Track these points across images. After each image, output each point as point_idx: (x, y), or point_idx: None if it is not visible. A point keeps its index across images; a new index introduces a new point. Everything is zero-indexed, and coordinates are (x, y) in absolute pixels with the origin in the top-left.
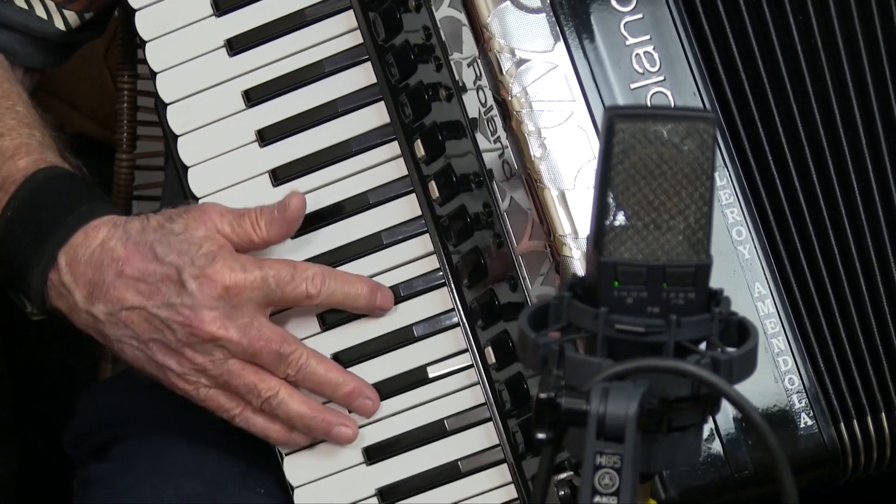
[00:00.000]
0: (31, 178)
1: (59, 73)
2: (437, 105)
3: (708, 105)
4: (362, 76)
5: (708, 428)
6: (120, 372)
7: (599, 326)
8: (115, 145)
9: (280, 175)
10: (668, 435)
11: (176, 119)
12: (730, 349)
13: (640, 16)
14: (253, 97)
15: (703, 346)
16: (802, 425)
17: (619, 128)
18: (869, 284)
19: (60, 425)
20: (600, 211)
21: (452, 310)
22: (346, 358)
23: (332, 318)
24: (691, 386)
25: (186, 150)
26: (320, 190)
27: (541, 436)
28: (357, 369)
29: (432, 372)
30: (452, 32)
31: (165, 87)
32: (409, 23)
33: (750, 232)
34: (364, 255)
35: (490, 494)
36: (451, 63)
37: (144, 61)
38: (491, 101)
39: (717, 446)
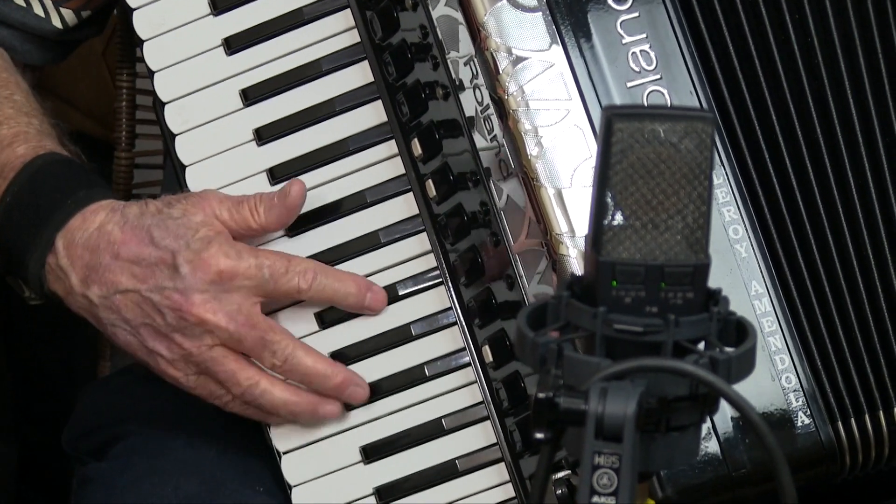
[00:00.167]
0: (30, 164)
1: (58, 71)
2: (433, 104)
3: (704, 103)
4: (359, 75)
5: (705, 427)
6: (119, 370)
7: (598, 326)
8: (113, 143)
9: (278, 173)
10: (666, 434)
11: (174, 118)
12: (728, 349)
13: (636, 14)
14: (250, 96)
15: (701, 345)
16: (800, 424)
17: (617, 127)
18: (866, 282)
19: (59, 424)
20: (598, 210)
21: (450, 308)
22: (344, 356)
23: (330, 316)
24: (690, 385)
25: (184, 149)
26: (318, 188)
27: (539, 435)
28: (355, 368)
29: (430, 370)
30: (449, 31)
31: (163, 86)
32: (406, 21)
33: (747, 230)
34: (361, 254)
35: (488, 493)
36: (448, 62)
37: (143, 60)
38: (487, 100)
39: (714, 445)
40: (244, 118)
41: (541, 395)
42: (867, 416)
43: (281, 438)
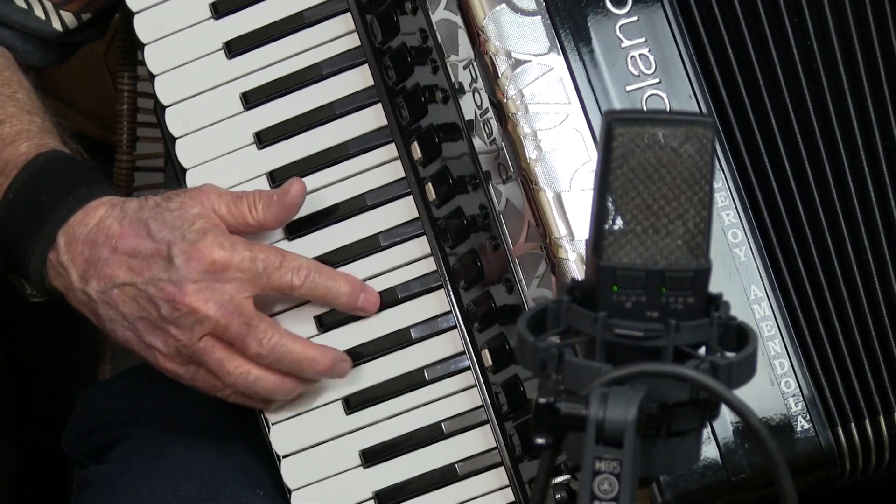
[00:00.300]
0: (32, 161)
1: (59, 73)
2: (433, 107)
3: (703, 107)
4: (360, 78)
5: (704, 431)
6: (119, 373)
7: (598, 331)
8: (114, 146)
9: (278, 177)
10: (667, 439)
11: (174, 121)
12: (729, 354)
13: (635, 18)
14: (251, 99)
15: (702, 350)
16: (799, 429)
17: (617, 132)
18: (866, 285)
19: (59, 425)
20: (599, 215)
21: (449, 312)
22: None
23: (329, 319)
24: (690, 391)
25: (185, 153)
26: (318, 192)
27: (540, 441)
28: (354, 372)
29: (429, 374)
30: (449, 35)
31: (164, 90)
32: (406, 25)
33: (746, 234)
34: (361, 257)
35: (488, 497)
36: (448, 65)
37: (144, 63)
38: (487, 104)
39: (713, 450)
40: (245, 122)
41: (541, 400)
42: (867, 421)
43: (281, 442)
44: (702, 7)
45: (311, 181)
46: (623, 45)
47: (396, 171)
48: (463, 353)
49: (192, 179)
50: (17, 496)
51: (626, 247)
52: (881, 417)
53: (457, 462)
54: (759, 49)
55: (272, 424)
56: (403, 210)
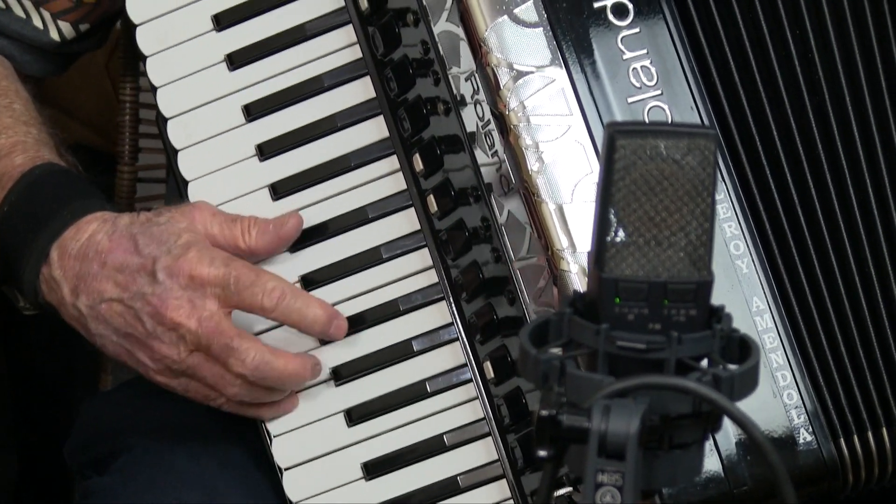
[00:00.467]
0: (28, 174)
1: (61, 83)
2: (435, 119)
3: (705, 119)
4: (361, 90)
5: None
6: (121, 384)
7: (600, 343)
8: (116, 156)
9: (280, 189)
10: (669, 452)
11: (176, 133)
12: (731, 366)
13: (637, 30)
14: (253, 111)
15: (704, 362)
16: (801, 441)
17: (620, 144)
18: (868, 298)
19: (60, 435)
20: (601, 227)
21: (451, 324)
22: (345, 372)
23: None
24: (692, 403)
25: (187, 165)
26: (319, 204)
27: (542, 453)
28: (356, 384)
29: (431, 386)
30: (450, 46)
31: (166, 102)
32: (408, 37)
33: (748, 246)
34: (363, 270)
35: None
36: (450, 77)
37: (146, 74)
38: (489, 116)
39: (715, 462)
40: (246, 134)
41: (543, 413)
42: (870, 433)
43: (283, 454)
44: (703, 18)
45: (313, 193)
46: (625, 57)
47: (398, 184)
48: (465, 365)
49: (193, 192)
50: None
51: (629, 259)
52: (884, 429)
53: (459, 475)
54: (761, 60)
55: (274, 437)
56: (405, 222)
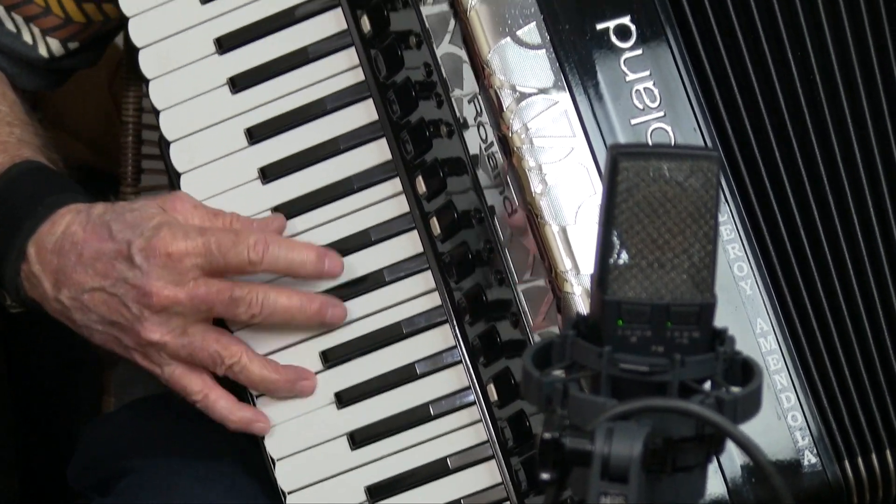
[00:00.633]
0: (6, 173)
1: (64, 104)
2: (438, 141)
3: (708, 140)
4: (364, 113)
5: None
6: (124, 405)
7: (603, 365)
8: (118, 178)
9: (283, 212)
10: (672, 475)
11: (179, 156)
12: (734, 389)
13: (639, 52)
14: (256, 135)
15: (707, 385)
16: (806, 463)
17: (623, 166)
18: (871, 320)
19: (63, 457)
20: (604, 249)
21: (454, 347)
22: (348, 396)
23: (334, 354)
24: (696, 426)
25: (190, 188)
26: (322, 227)
27: (545, 476)
28: (359, 407)
29: (434, 409)
30: (453, 69)
31: (169, 125)
32: (411, 60)
33: (751, 268)
34: (366, 293)
35: None
36: (452, 99)
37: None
38: (492, 138)
39: (720, 485)
40: (249, 157)
41: (546, 436)
42: (874, 456)
43: (286, 477)
44: (706, 40)
45: (316, 216)
46: (628, 79)
47: (401, 206)
48: (468, 387)
49: None
50: None
51: (632, 281)
52: (888, 452)
53: (462, 497)
54: (763, 82)
55: (277, 460)
56: (408, 245)
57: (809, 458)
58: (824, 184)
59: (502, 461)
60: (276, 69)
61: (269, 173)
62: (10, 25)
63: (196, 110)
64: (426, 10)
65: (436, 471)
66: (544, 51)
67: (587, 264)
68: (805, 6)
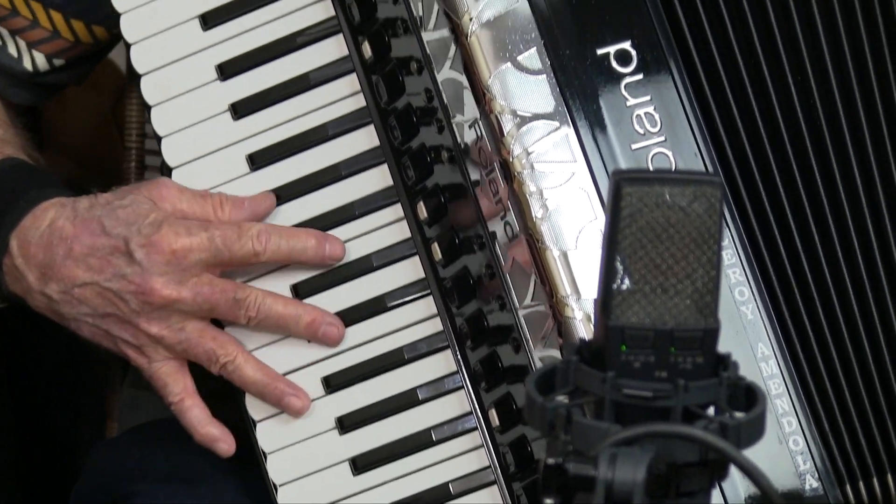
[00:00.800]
0: None
1: (67, 129)
2: (439, 167)
3: (709, 165)
4: (365, 139)
5: (713, 492)
6: (127, 430)
7: (607, 391)
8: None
9: None
10: (676, 500)
11: (182, 183)
12: (738, 414)
13: (640, 77)
14: (257, 160)
15: (710, 410)
16: (808, 487)
17: (626, 192)
18: (872, 344)
19: (67, 483)
20: (608, 274)
21: (456, 372)
22: (350, 421)
23: (336, 380)
24: (699, 451)
25: None
26: None
27: (548, 501)
28: (361, 433)
29: (436, 435)
30: (454, 94)
31: (171, 152)
32: (412, 85)
33: (752, 292)
34: (368, 318)
35: None
36: (453, 125)
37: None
38: (493, 163)
39: None
40: (251, 183)
41: (550, 461)
42: (875, 480)
43: (288, 502)
44: (706, 65)
45: None
46: (628, 104)
47: (402, 232)
48: (470, 413)
49: None
50: None
51: (635, 306)
52: (889, 476)
53: None
54: (764, 106)
55: (280, 485)
56: (409, 270)
57: (811, 483)
58: (824, 206)
59: (504, 486)
60: (278, 95)
61: None
62: None
63: (198, 137)
64: (427, 36)
65: (438, 496)
66: (545, 76)
67: (588, 289)
68: (805, 30)
